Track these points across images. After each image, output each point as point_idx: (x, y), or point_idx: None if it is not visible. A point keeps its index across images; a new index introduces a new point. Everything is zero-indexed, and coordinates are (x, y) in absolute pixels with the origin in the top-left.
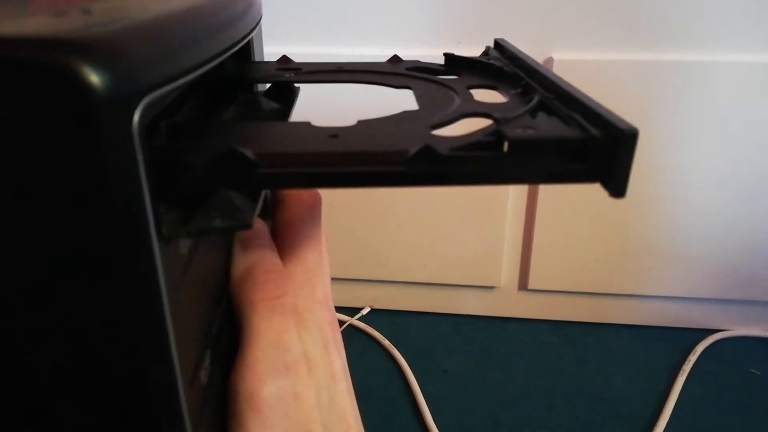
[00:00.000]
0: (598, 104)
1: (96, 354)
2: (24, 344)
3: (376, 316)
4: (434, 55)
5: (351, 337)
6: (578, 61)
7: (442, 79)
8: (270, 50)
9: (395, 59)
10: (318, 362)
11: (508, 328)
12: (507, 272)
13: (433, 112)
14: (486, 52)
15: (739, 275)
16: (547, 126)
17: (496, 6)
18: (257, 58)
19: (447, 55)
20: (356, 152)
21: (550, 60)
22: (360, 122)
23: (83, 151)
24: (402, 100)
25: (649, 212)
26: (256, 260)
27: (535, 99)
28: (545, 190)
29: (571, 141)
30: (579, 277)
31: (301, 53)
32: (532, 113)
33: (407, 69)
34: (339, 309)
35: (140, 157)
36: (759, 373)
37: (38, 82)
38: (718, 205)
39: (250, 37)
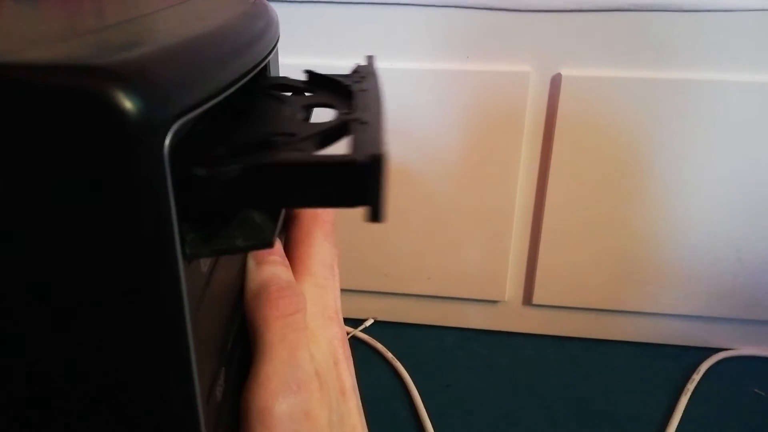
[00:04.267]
0: (380, 129)
1: (119, 373)
2: (47, 363)
3: (380, 327)
4: (442, 69)
5: (354, 348)
6: (586, 77)
7: (285, 96)
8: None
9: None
10: (329, 379)
11: (511, 342)
12: (512, 287)
13: None
14: (356, 69)
15: (744, 294)
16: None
17: (505, 21)
18: (273, 74)
19: (308, 72)
20: None
21: (558, 76)
22: None
23: (115, 175)
24: None
25: (655, 230)
26: (270, 277)
27: (334, 122)
28: (551, 205)
29: (328, 165)
30: (584, 293)
31: (306, 65)
32: (323, 135)
33: (270, 86)
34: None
35: (170, 181)
36: (763, 393)
37: (72, 108)
38: (723, 223)
39: (271, 54)
